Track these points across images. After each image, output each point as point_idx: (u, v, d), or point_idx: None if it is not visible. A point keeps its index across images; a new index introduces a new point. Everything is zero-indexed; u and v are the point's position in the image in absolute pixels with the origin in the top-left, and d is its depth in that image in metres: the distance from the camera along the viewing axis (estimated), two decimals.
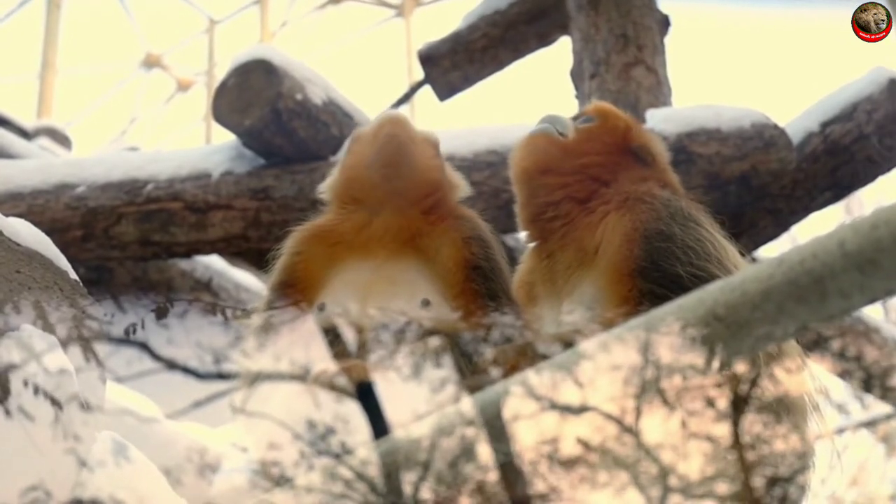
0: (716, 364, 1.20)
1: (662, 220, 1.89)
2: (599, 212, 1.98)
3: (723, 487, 1.25)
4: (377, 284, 2.01)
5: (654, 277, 1.81)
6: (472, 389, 1.40)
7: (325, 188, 2.26)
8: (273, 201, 3.41)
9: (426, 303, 1.98)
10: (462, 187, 2.25)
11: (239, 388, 1.66)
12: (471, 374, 1.63)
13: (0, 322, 1.72)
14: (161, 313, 1.54)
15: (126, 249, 3.49)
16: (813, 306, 1.11)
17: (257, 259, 4.24)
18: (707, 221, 1.96)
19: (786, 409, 1.65)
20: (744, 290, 1.15)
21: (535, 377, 1.31)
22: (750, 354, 1.22)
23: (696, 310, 1.18)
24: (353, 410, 1.45)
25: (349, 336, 1.77)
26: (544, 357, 1.41)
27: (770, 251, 3.55)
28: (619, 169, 2.07)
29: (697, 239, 1.86)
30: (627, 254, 1.86)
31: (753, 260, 2.00)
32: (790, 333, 1.17)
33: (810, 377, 1.85)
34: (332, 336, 1.80)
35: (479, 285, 2.02)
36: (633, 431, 1.25)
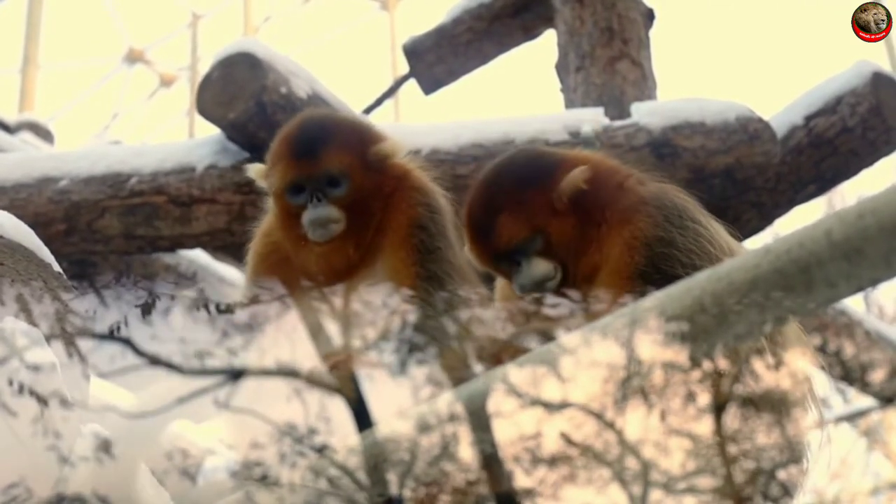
0: (704, 354, 1.20)
1: (660, 225, 1.91)
2: (596, 234, 1.97)
3: (714, 479, 1.25)
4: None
5: (654, 280, 1.82)
6: (457, 382, 1.40)
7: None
8: (257, 195, 3.39)
9: None
10: (396, 145, 2.26)
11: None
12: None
13: None
14: (146, 310, 1.53)
15: (110, 243, 3.47)
16: (799, 295, 1.11)
17: (241, 253, 4.20)
18: (695, 208, 1.97)
19: (782, 400, 1.65)
20: (730, 279, 1.16)
21: (519, 371, 1.31)
22: (736, 344, 1.22)
23: (682, 299, 1.18)
24: (339, 405, 1.44)
25: (332, 330, 1.76)
26: (526, 350, 1.41)
27: (754, 244, 3.56)
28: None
29: (696, 239, 1.89)
30: (629, 260, 1.89)
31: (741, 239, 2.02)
32: (776, 323, 1.17)
33: (811, 365, 1.87)
34: (316, 330, 1.79)
35: (420, 240, 2.15)
36: (613, 428, 1.25)
